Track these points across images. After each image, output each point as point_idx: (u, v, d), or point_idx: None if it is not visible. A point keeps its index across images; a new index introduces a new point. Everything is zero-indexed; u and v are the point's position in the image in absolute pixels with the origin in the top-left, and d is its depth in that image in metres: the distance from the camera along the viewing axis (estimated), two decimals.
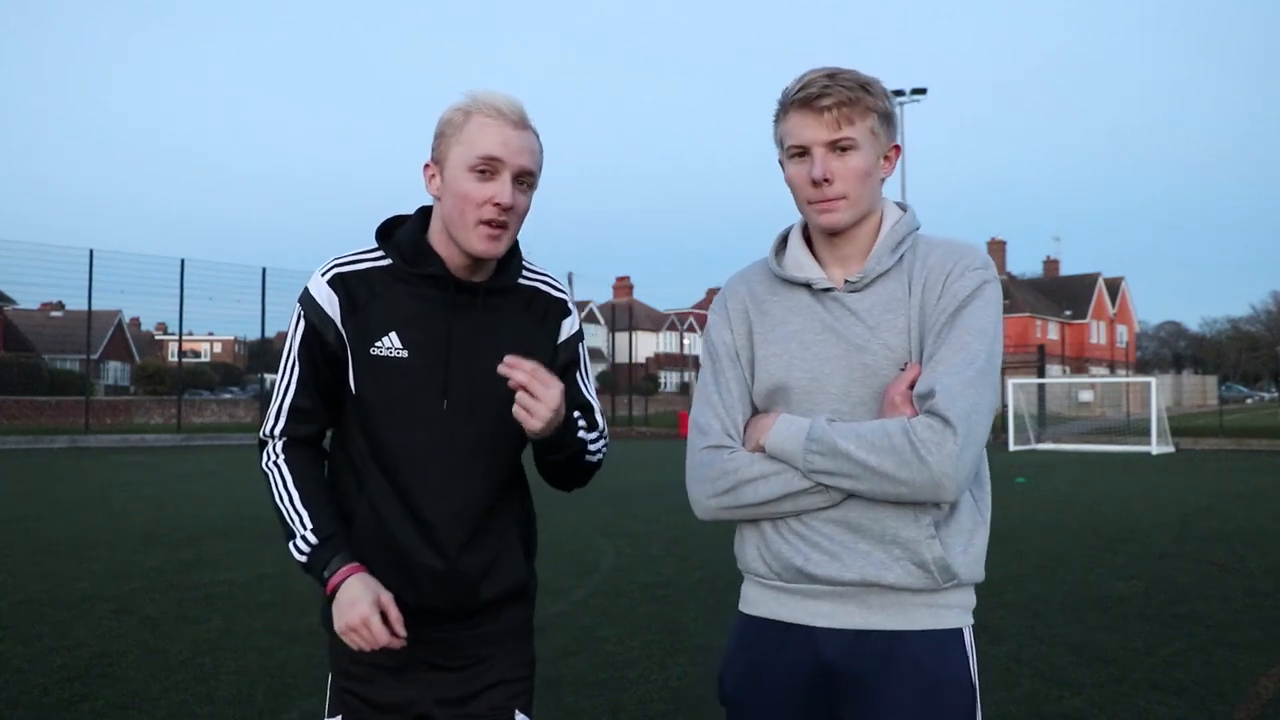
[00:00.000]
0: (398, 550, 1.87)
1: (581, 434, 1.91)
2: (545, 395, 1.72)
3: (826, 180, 1.72)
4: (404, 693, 1.90)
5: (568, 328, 2.02)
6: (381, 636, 1.73)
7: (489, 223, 1.81)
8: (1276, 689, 4.67)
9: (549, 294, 2.01)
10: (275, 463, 1.90)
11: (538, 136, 1.88)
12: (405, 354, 1.85)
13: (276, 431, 1.91)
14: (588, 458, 1.96)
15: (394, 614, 1.75)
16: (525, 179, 1.84)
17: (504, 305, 1.94)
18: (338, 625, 1.76)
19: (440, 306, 1.88)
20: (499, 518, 1.95)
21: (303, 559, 1.84)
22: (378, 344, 1.85)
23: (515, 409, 1.74)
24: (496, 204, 1.80)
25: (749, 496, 1.72)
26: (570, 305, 2.04)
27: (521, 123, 1.83)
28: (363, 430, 1.88)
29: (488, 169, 1.80)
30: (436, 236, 1.89)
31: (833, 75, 1.72)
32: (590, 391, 2.06)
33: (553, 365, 1.94)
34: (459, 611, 1.91)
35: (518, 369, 1.72)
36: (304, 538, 1.83)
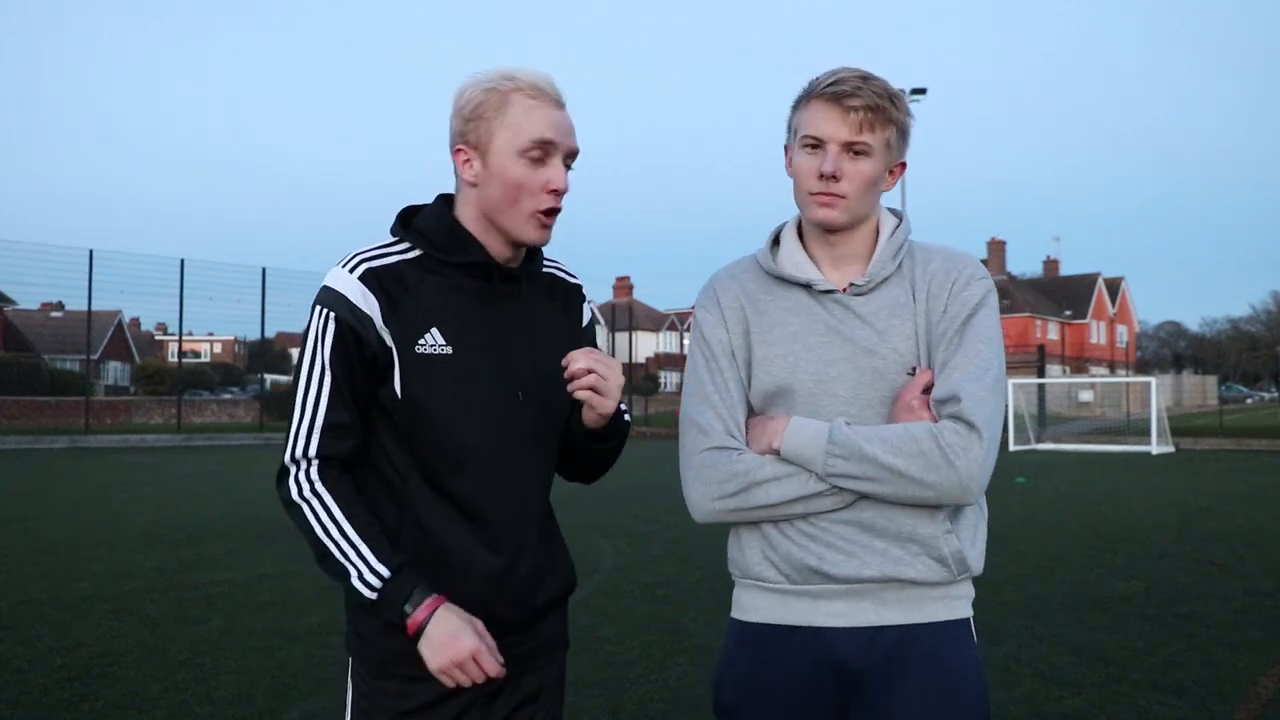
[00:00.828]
0: (452, 561, 1.73)
1: (626, 416, 1.88)
2: (612, 374, 1.72)
3: (834, 177, 1.71)
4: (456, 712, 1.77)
5: (586, 314, 1.97)
6: (492, 668, 1.62)
7: (545, 211, 1.74)
8: (1276, 689, 4.67)
9: (566, 280, 1.94)
10: (313, 491, 1.69)
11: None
12: (450, 350, 1.74)
13: (311, 453, 1.70)
14: (623, 436, 1.91)
15: (490, 642, 1.65)
16: (571, 159, 1.78)
17: (531, 292, 1.86)
18: (438, 663, 1.61)
19: (478, 297, 1.78)
20: (549, 515, 1.88)
21: (372, 596, 1.64)
22: (421, 342, 1.72)
23: (584, 394, 1.71)
24: (553, 190, 1.73)
25: (760, 499, 1.70)
26: (584, 291, 1.99)
27: (561, 100, 1.76)
28: (404, 436, 1.74)
29: (541, 154, 1.72)
30: (471, 223, 1.78)
31: (866, 78, 1.72)
32: None
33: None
34: (519, 620, 1.80)
35: (576, 359, 1.70)
36: (373, 571, 1.64)
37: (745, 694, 1.77)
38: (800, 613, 1.73)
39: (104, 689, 4.51)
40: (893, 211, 1.86)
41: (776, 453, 1.71)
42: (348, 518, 1.68)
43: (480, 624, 1.66)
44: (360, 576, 1.65)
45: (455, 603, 1.70)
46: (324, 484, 1.70)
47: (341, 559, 1.66)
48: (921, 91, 32.57)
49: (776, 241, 1.87)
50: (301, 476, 1.71)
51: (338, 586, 1.72)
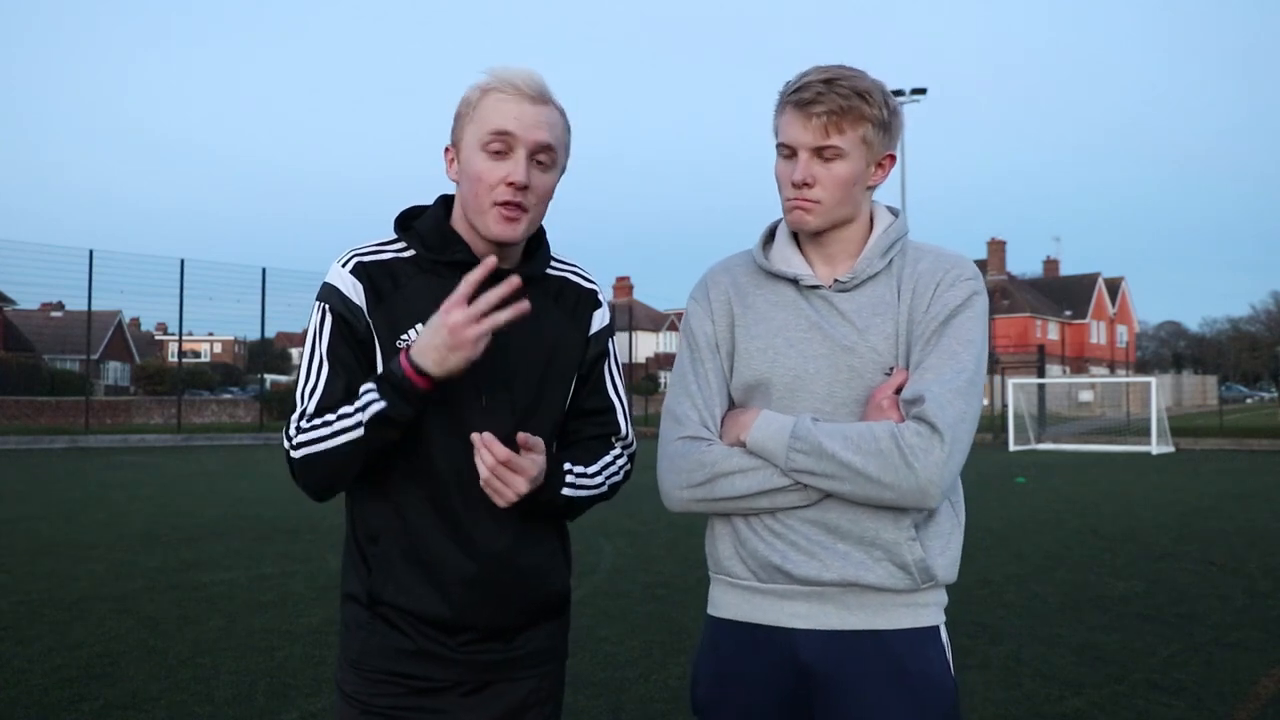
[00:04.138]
0: (432, 562, 1.74)
1: (569, 490, 1.77)
2: (512, 483, 1.65)
3: (806, 184, 1.72)
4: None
5: (599, 320, 1.91)
6: (463, 309, 1.61)
7: (505, 204, 1.71)
8: (1276, 689, 4.67)
9: (579, 285, 1.91)
10: (299, 429, 1.71)
11: (562, 113, 1.77)
12: None
13: (303, 430, 1.73)
14: (585, 494, 1.81)
15: (454, 300, 1.63)
16: (544, 155, 1.73)
17: (533, 296, 1.80)
18: (437, 363, 1.62)
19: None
20: (538, 521, 1.81)
21: (382, 405, 1.65)
22: (404, 337, 1.74)
23: (484, 485, 1.66)
24: (510, 183, 1.70)
25: (724, 490, 1.71)
26: (601, 297, 1.94)
27: (539, 97, 1.73)
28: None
29: (501, 146, 1.70)
30: (460, 223, 1.80)
31: (830, 80, 1.70)
32: (616, 389, 1.93)
33: (583, 359, 1.87)
34: (497, 626, 1.78)
35: (488, 449, 1.64)
36: (366, 401, 1.66)
37: (717, 691, 1.78)
38: (766, 612, 1.74)
39: (104, 689, 4.51)
40: (890, 209, 1.85)
41: (744, 445, 1.71)
42: (331, 412, 1.70)
43: (441, 312, 1.64)
44: (365, 414, 1.66)
45: (437, 604, 1.74)
46: (308, 420, 1.72)
47: (350, 430, 1.67)
48: (921, 91, 32.58)
49: (773, 236, 1.86)
50: (294, 439, 1.72)
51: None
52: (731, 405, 1.81)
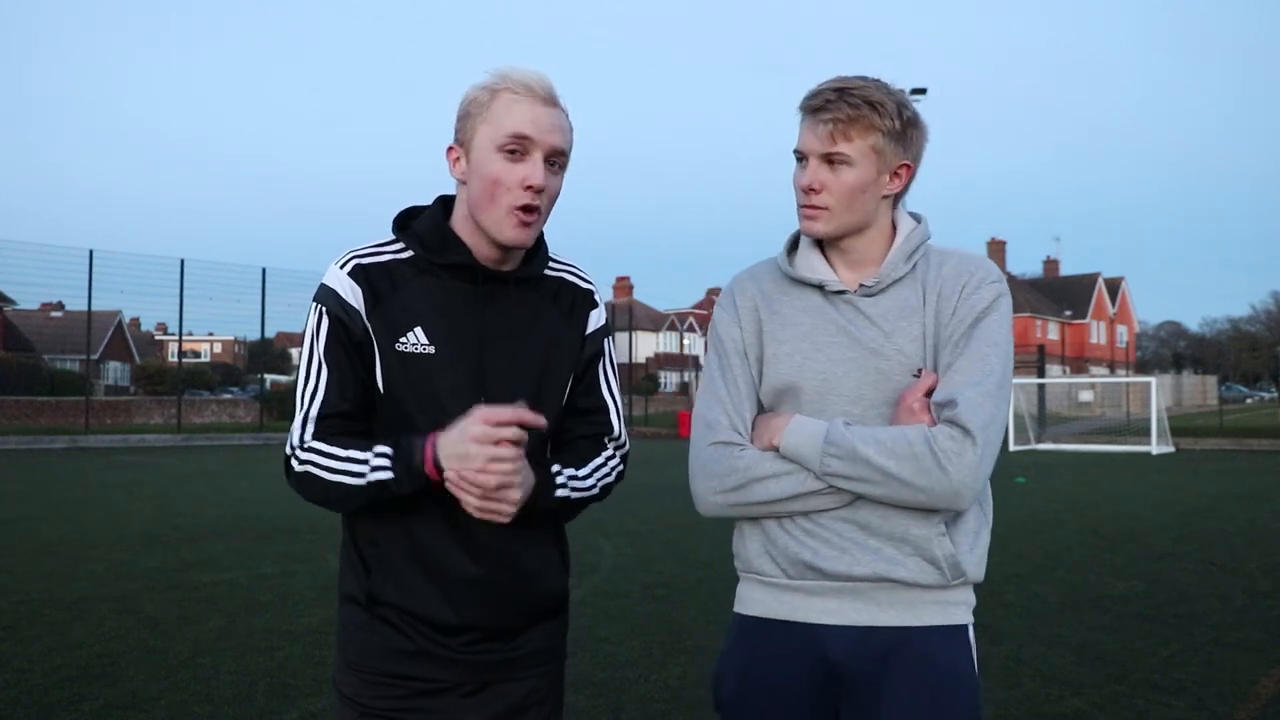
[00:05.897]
0: (435, 564, 1.74)
1: (562, 490, 1.75)
2: (505, 498, 1.62)
3: (814, 190, 1.76)
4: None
5: (594, 320, 1.91)
6: (490, 453, 1.57)
7: (521, 208, 1.70)
8: (1276, 689, 4.67)
9: (576, 285, 1.90)
10: (306, 448, 1.71)
11: (567, 115, 1.78)
12: (432, 349, 1.74)
13: (308, 442, 1.72)
14: (578, 496, 1.80)
15: (485, 427, 1.59)
16: (557, 159, 1.75)
17: (531, 296, 1.83)
18: (460, 471, 1.60)
19: (467, 298, 1.77)
20: (540, 522, 1.80)
21: (387, 474, 1.65)
22: (402, 339, 1.73)
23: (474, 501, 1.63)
24: (528, 186, 1.70)
25: (759, 495, 1.73)
26: (597, 297, 1.94)
27: (551, 99, 1.73)
28: (389, 434, 1.74)
29: (518, 148, 1.70)
30: (461, 224, 1.78)
31: (842, 89, 1.73)
32: (611, 390, 1.93)
33: (579, 358, 1.87)
34: (499, 627, 1.79)
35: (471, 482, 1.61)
36: (380, 454, 1.65)
37: (742, 686, 1.80)
38: (795, 608, 1.76)
39: (104, 689, 4.51)
40: (913, 215, 1.87)
41: (777, 449, 1.73)
42: (342, 447, 1.69)
43: (473, 424, 1.60)
44: (370, 474, 1.66)
45: (440, 605, 1.74)
46: (316, 439, 1.72)
47: (352, 478, 1.67)
48: (921, 91, 32.54)
49: (797, 244, 1.89)
50: (297, 455, 1.73)
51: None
52: (761, 410, 1.83)
